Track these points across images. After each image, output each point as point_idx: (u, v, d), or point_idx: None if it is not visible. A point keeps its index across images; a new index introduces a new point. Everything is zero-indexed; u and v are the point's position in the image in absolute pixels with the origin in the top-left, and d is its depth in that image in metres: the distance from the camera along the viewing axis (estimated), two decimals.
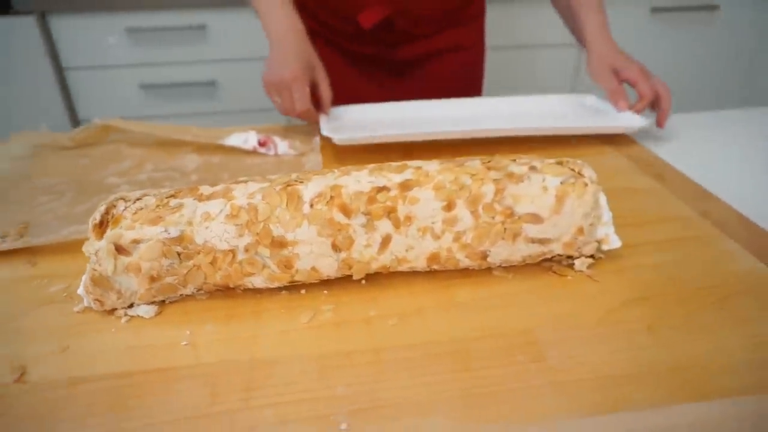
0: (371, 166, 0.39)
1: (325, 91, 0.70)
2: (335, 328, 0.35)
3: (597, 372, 0.31)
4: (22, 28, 1.34)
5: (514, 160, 0.39)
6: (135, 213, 0.36)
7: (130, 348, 0.34)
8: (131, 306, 0.37)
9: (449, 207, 0.37)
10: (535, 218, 0.37)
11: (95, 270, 0.35)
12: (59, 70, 1.42)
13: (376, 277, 0.40)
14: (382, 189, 0.37)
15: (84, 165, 0.62)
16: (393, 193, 0.36)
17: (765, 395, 0.30)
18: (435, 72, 0.89)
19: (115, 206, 0.37)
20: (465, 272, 0.40)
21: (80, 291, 0.37)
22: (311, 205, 0.36)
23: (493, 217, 0.37)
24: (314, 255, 0.36)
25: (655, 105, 0.68)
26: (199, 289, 0.38)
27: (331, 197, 0.36)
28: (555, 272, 0.40)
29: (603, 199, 0.39)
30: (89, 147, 0.67)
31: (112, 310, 0.37)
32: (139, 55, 1.43)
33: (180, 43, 1.43)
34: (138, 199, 0.37)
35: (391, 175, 0.37)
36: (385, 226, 0.37)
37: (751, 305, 0.36)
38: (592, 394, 0.30)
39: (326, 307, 0.37)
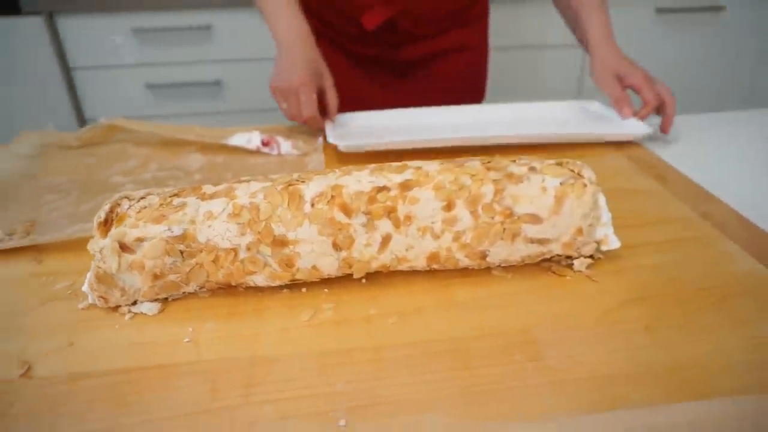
0: (372, 166, 0.40)
1: (332, 99, 0.70)
2: (335, 327, 0.36)
3: (595, 371, 0.31)
4: (30, 28, 1.35)
5: (514, 161, 0.39)
6: (139, 211, 0.36)
7: (133, 344, 0.35)
8: (135, 303, 0.38)
9: (449, 207, 0.37)
10: (534, 218, 0.37)
11: (100, 267, 0.36)
12: (66, 70, 1.44)
13: (377, 276, 0.40)
14: (382, 189, 0.37)
15: (89, 164, 0.63)
16: (393, 193, 0.37)
17: (765, 395, 0.30)
18: (438, 73, 0.89)
19: (119, 205, 0.37)
20: (464, 272, 0.40)
21: (85, 288, 0.37)
22: (312, 205, 0.37)
23: (493, 217, 0.37)
24: (315, 254, 0.37)
25: (659, 111, 0.67)
26: (201, 287, 0.39)
27: (332, 197, 0.37)
28: (554, 272, 0.40)
29: (602, 199, 0.39)
30: (95, 146, 0.68)
31: (116, 307, 0.38)
32: (145, 55, 1.44)
33: (185, 44, 1.44)
34: (142, 198, 0.38)
35: (392, 175, 0.38)
36: (385, 225, 0.37)
37: (750, 306, 0.36)
38: (589, 393, 0.30)
39: (327, 306, 0.38)
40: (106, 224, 0.37)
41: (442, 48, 0.87)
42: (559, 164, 0.39)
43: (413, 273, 0.40)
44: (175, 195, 0.38)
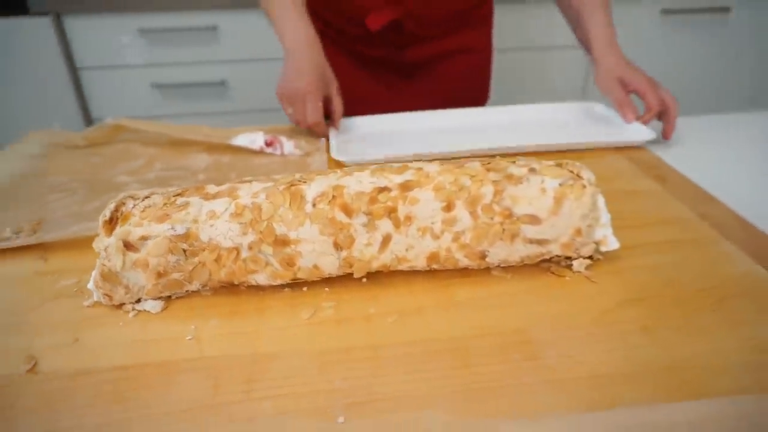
0: (373, 166, 0.40)
1: (338, 106, 0.70)
2: (336, 325, 0.36)
3: (592, 371, 0.32)
4: (38, 28, 1.37)
5: (514, 162, 0.40)
6: (143, 211, 0.37)
7: (136, 341, 0.35)
8: (139, 301, 0.38)
9: (449, 207, 0.37)
10: (533, 219, 0.38)
11: (104, 266, 0.37)
12: (73, 70, 1.45)
13: (377, 276, 0.41)
14: (383, 189, 0.37)
15: (95, 163, 0.64)
16: (394, 193, 0.37)
17: (763, 395, 0.30)
18: (443, 74, 0.89)
19: (124, 204, 0.38)
20: (464, 272, 0.41)
21: (90, 286, 0.38)
22: (314, 205, 0.37)
23: (492, 218, 0.37)
24: (316, 253, 0.37)
25: (660, 116, 0.67)
26: (204, 286, 0.39)
27: (333, 197, 0.37)
28: (553, 273, 0.41)
29: (601, 201, 0.40)
30: (101, 146, 0.69)
31: (121, 305, 0.38)
32: (152, 55, 1.45)
33: (191, 44, 1.45)
34: (146, 198, 0.38)
35: (392, 175, 0.38)
36: (385, 225, 0.37)
37: (748, 307, 0.37)
38: (587, 392, 0.30)
39: (327, 305, 0.38)
40: (111, 223, 0.37)
41: (446, 49, 0.87)
42: (559, 165, 0.39)
43: (413, 273, 0.41)
44: (179, 195, 0.38)
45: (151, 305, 0.38)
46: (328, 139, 0.68)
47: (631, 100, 0.69)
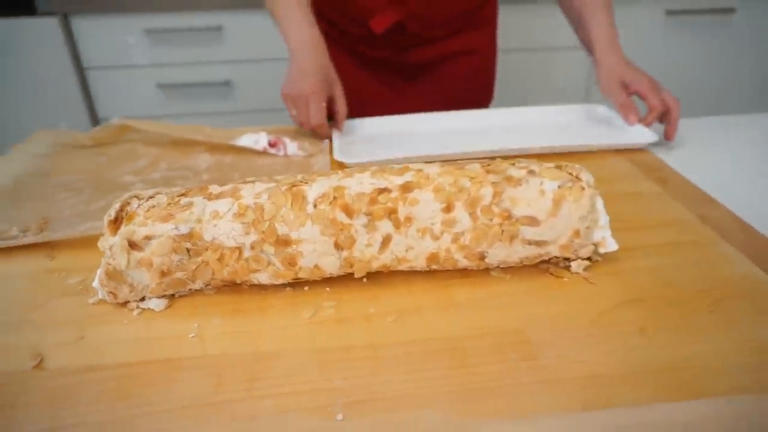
0: (373, 168, 0.40)
1: (341, 108, 0.70)
2: (336, 324, 0.37)
3: (589, 371, 0.32)
4: (45, 28, 1.38)
5: (513, 164, 0.40)
6: (147, 210, 0.38)
7: (140, 339, 0.36)
8: (143, 299, 0.39)
9: (448, 209, 0.38)
10: (532, 221, 0.38)
11: (109, 264, 0.37)
12: (80, 70, 1.46)
13: (377, 276, 0.41)
14: (383, 190, 0.38)
15: (101, 163, 0.64)
16: (394, 194, 0.38)
17: (761, 395, 0.30)
18: (446, 75, 0.90)
19: (129, 204, 0.38)
20: (463, 272, 0.41)
21: (95, 284, 0.39)
22: (315, 206, 0.37)
23: (491, 219, 0.38)
24: (317, 253, 0.38)
25: (662, 119, 0.67)
26: (207, 285, 0.40)
27: (334, 198, 0.37)
28: (552, 274, 0.41)
29: (600, 202, 0.40)
30: (107, 146, 0.69)
31: (125, 303, 0.39)
32: (157, 55, 1.46)
33: (196, 44, 1.46)
34: (150, 197, 0.39)
35: (393, 177, 0.39)
36: (385, 226, 0.38)
37: (746, 309, 0.37)
38: (584, 392, 0.31)
39: (328, 304, 0.39)
40: (116, 222, 0.38)
41: (450, 51, 0.87)
42: (558, 167, 0.40)
43: (413, 273, 0.41)
44: (183, 195, 0.39)
45: (155, 303, 0.39)
46: (331, 141, 0.68)
47: (633, 103, 0.69)
